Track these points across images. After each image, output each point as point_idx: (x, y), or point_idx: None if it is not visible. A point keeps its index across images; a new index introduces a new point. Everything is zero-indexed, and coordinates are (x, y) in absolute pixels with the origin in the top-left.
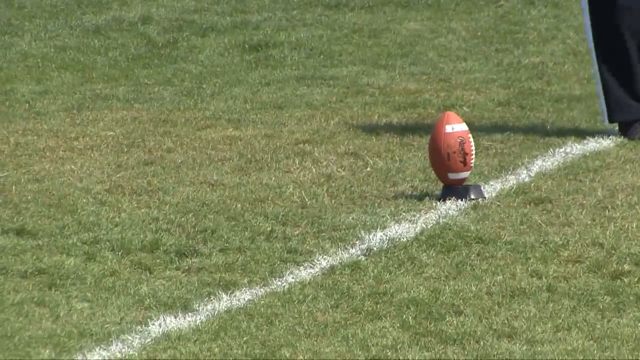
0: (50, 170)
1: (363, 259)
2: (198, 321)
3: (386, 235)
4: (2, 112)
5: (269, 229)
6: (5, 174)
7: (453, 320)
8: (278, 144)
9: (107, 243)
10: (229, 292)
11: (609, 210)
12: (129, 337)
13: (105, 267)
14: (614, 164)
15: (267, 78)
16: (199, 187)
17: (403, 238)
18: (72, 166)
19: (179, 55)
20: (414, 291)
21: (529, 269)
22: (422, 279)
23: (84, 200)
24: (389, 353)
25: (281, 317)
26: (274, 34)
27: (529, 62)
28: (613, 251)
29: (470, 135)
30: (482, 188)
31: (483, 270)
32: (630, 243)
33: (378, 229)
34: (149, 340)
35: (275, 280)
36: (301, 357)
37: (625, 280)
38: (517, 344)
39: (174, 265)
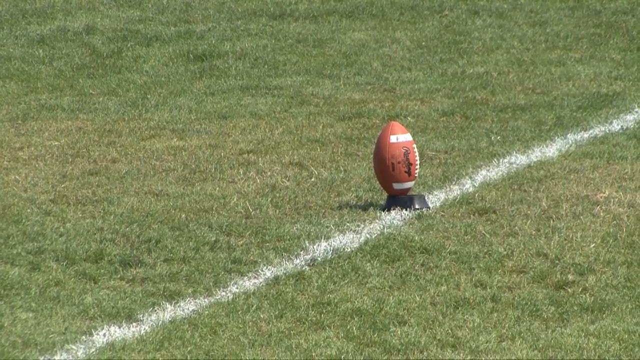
0: None
1: (307, 269)
2: (142, 331)
3: (330, 246)
4: None
5: (213, 239)
6: None
7: (397, 331)
8: (222, 154)
9: (52, 253)
10: (173, 302)
11: (553, 221)
12: (74, 347)
13: (50, 277)
14: (559, 174)
15: (211, 88)
16: (143, 197)
17: (347, 248)
18: (17, 176)
19: (123, 65)
20: (358, 301)
21: (473, 279)
22: (366, 289)
23: (29, 210)
24: None
25: (225, 327)
26: (218, 44)
27: (473, 72)
28: (557, 261)
29: (414, 145)
30: (426, 198)
31: (427, 280)
32: (574, 253)
33: (322, 239)
34: (93, 350)
35: (219, 290)
36: None
37: (569, 290)
38: (461, 354)
39: (119, 275)
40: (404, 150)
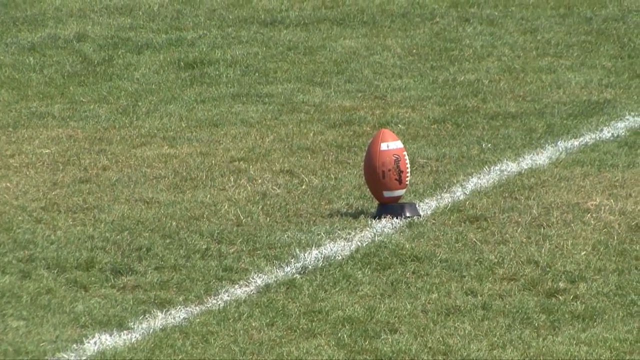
0: None
1: (298, 277)
2: (133, 339)
3: (321, 254)
4: None
5: (204, 247)
6: None
7: (388, 338)
8: (213, 161)
9: (43, 261)
10: (165, 310)
11: (544, 228)
12: (65, 356)
13: (41, 285)
14: (549, 182)
15: (202, 95)
16: (134, 205)
17: (338, 256)
18: (8, 184)
19: (114, 73)
20: (349, 309)
21: (464, 286)
22: (358, 297)
23: (20, 218)
24: None
25: (216, 336)
26: (209, 52)
27: (464, 80)
28: (548, 269)
29: (405, 152)
30: (417, 206)
31: (418, 288)
32: (565, 261)
33: (313, 247)
34: (84, 358)
35: (210, 298)
36: None
37: (560, 298)
38: None
39: (110, 283)
40: (394, 158)
